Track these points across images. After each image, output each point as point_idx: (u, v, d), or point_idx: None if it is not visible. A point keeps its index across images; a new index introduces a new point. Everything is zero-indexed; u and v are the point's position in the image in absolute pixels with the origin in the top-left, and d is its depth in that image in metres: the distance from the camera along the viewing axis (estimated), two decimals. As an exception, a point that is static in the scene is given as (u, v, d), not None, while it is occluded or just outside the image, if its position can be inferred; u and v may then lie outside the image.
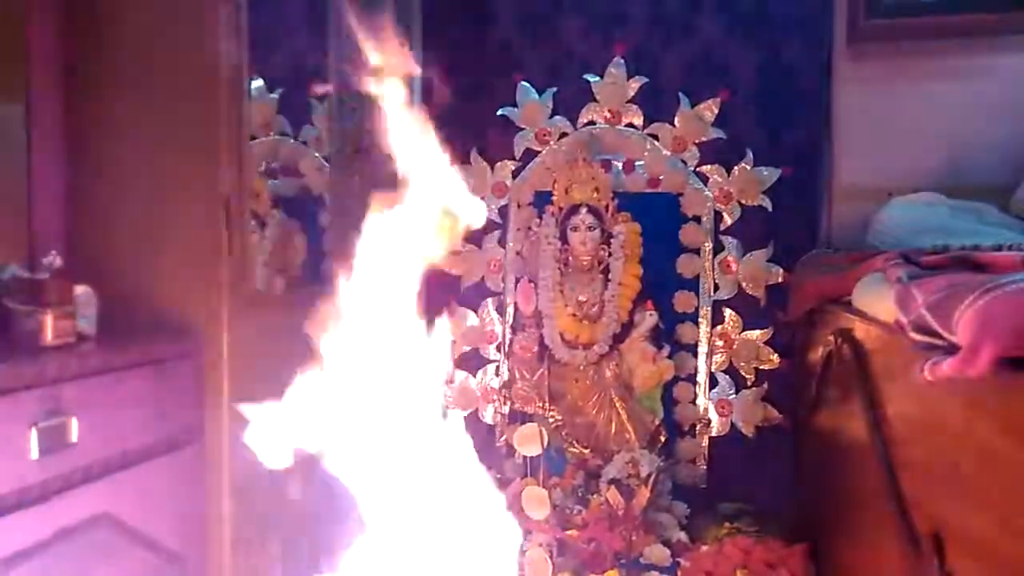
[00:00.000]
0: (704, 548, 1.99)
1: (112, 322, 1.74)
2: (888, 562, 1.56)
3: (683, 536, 2.09)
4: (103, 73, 1.91)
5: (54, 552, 1.39)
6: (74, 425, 1.45)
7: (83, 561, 1.44)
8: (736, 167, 2.48)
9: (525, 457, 2.17)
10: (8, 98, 1.80)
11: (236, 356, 1.87)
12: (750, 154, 2.47)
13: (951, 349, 1.23)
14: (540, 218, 2.52)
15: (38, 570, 1.36)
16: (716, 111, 2.48)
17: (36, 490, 1.38)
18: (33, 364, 1.44)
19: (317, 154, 2.57)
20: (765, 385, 2.43)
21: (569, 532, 2.01)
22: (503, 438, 2.47)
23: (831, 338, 2.01)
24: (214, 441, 1.79)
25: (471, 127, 2.63)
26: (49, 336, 1.57)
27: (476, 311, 2.59)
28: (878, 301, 1.66)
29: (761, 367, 2.44)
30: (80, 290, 1.70)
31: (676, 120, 2.51)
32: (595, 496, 2.13)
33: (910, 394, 1.50)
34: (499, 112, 2.61)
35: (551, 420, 2.34)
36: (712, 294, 2.48)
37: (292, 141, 2.58)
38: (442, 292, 2.43)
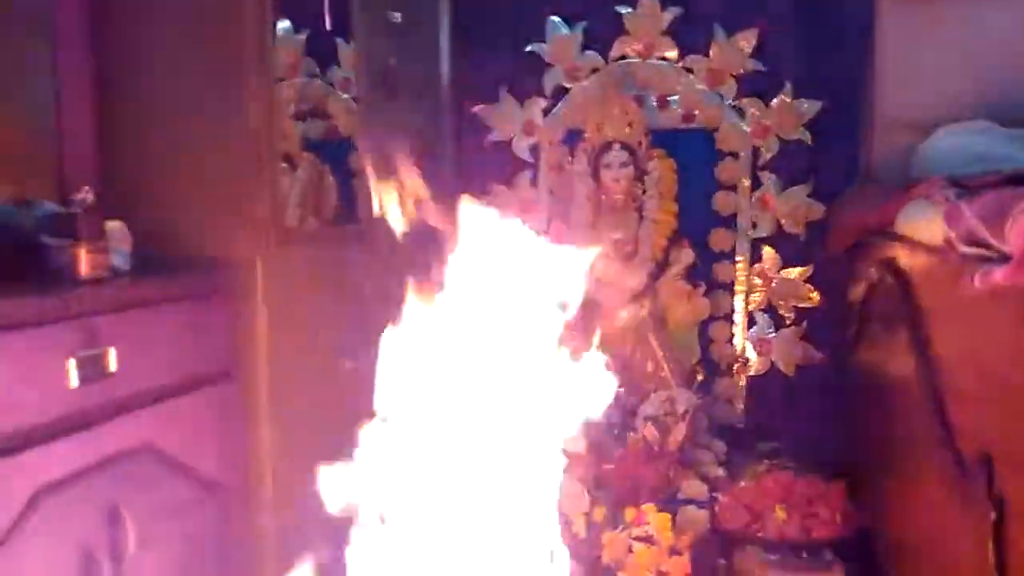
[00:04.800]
0: (742, 483, 1.97)
1: (146, 259, 1.75)
2: (933, 492, 1.54)
3: (721, 472, 2.07)
4: (130, 9, 1.90)
5: (96, 480, 1.40)
6: (112, 356, 1.46)
7: (125, 489, 1.46)
8: (775, 100, 2.41)
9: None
10: (36, 34, 1.78)
11: (271, 291, 1.88)
12: (789, 86, 2.40)
13: (1003, 259, 1.19)
14: (572, 156, 2.47)
15: (81, 497, 1.38)
16: (754, 42, 2.41)
17: (77, 419, 1.39)
18: (69, 297, 1.44)
19: (345, 95, 2.54)
20: (804, 324, 2.38)
21: (607, 466, 2.00)
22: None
23: (873, 271, 1.96)
24: (252, 374, 1.80)
25: (499, 64, 2.57)
26: (84, 270, 1.57)
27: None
28: (924, 225, 1.61)
29: (801, 305, 2.40)
30: (113, 225, 1.69)
31: (712, 52, 2.44)
32: (631, 434, 2.12)
33: (958, 316, 1.46)
34: (528, 48, 2.55)
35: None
36: (750, 232, 2.43)
37: (320, 83, 2.55)
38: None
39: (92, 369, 1.42)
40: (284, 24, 2.46)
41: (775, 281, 2.41)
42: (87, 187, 1.70)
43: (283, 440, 1.82)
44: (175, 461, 1.56)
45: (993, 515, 1.24)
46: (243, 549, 1.75)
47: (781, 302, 2.41)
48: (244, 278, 1.85)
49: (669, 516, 1.88)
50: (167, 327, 1.63)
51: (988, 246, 1.24)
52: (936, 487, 1.50)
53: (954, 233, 1.36)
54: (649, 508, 1.87)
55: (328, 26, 2.34)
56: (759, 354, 2.39)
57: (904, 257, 1.76)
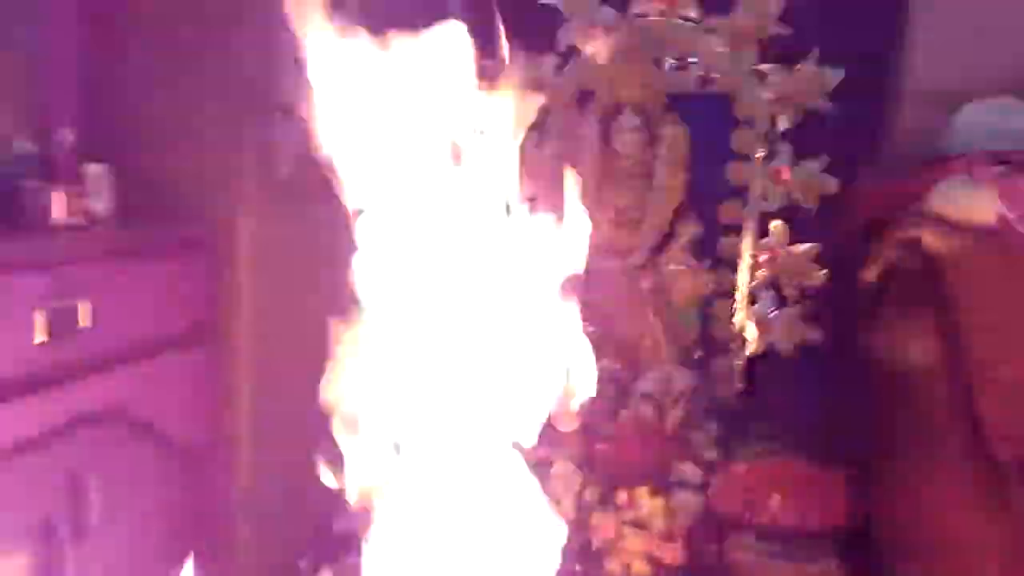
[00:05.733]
0: (738, 467, 1.90)
1: (129, 207, 1.66)
2: (953, 490, 1.47)
3: (716, 455, 2.01)
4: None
5: (59, 444, 1.33)
6: (84, 309, 1.38)
7: (91, 455, 1.39)
8: (797, 67, 2.29)
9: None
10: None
11: (258, 248, 1.79)
12: (815, 52, 2.28)
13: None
14: (582, 118, 2.37)
15: (46, 460, 1.31)
16: (781, 4, 2.28)
17: (42, 376, 1.31)
18: (40, 242, 1.36)
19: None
20: (808, 303, 2.29)
21: (599, 446, 1.94)
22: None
23: (893, 251, 1.87)
24: (232, 335, 1.72)
25: (510, 15, 2.45)
26: (58, 214, 1.49)
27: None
28: (966, 203, 1.52)
29: (806, 284, 2.31)
30: (95, 168, 1.61)
31: (735, 14, 2.31)
32: (624, 411, 2.05)
33: (1002, 307, 1.38)
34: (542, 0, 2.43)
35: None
36: (760, 204, 2.33)
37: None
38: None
39: (62, 323, 1.34)
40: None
41: (781, 257, 2.31)
42: (67, 128, 1.61)
43: (262, 405, 1.75)
44: (147, 425, 1.49)
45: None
46: (216, 515, 1.69)
47: (786, 280, 2.31)
48: (230, 233, 1.76)
49: (662, 499, 1.83)
50: (146, 280, 1.55)
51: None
52: (962, 486, 1.43)
53: (1012, 213, 1.27)
54: (642, 492, 1.81)
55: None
56: (760, 333, 2.31)
57: (933, 238, 1.67)
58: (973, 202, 1.44)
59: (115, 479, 1.41)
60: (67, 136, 1.61)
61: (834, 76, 2.27)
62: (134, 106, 1.79)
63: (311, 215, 2.03)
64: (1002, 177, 1.31)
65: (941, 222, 1.60)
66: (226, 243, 1.74)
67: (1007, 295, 1.32)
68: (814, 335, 2.28)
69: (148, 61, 1.80)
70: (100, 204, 1.61)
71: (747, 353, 2.30)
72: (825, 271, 2.29)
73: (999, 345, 1.38)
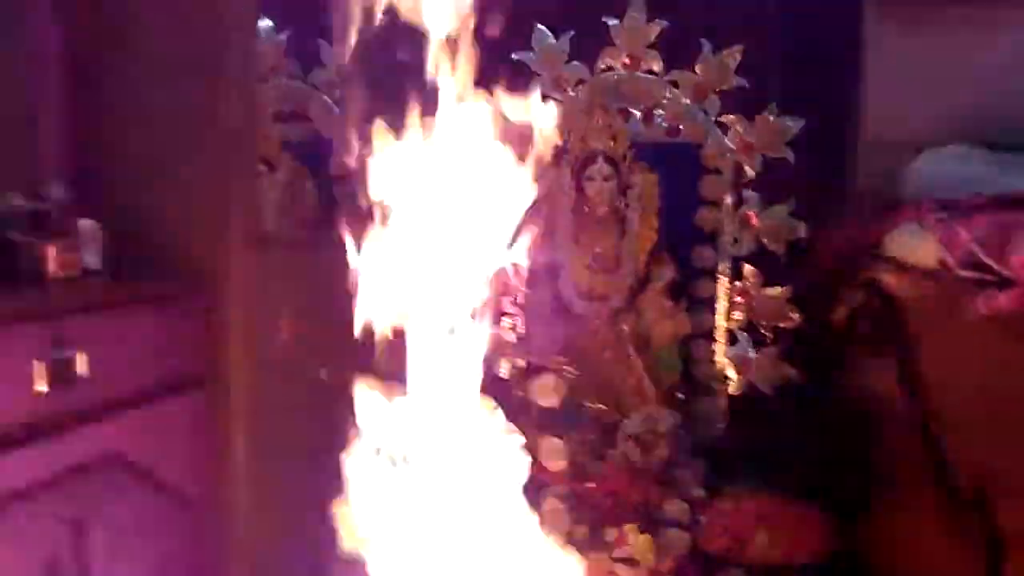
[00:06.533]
0: (724, 505, 1.94)
1: (118, 260, 1.68)
2: (924, 521, 1.52)
3: (702, 493, 2.04)
4: (109, 1, 1.83)
5: (61, 490, 1.33)
6: (82, 359, 1.39)
7: (92, 500, 1.38)
8: (759, 117, 2.40)
9: (541, 410, 2.12)
10: (11, 21, 1.71)
11: (244, 296, 1.82)
12: (773, 104, 2.39)
13: (1004, 284, 1.18)
14: (556, 168, 2.44)
15: (44, 508, 1.30)
16: (740, 58, 2.39)
17: (42, 425, 1.32)
18: (36, 295, 1.37)
19: (327, 97, 2.48)
20: (785, 343, 2.36)
21: (587, 485, 1.96)
22: (519, 392, 2.40)
23: (858, 293, 1.95)
24: (226, 381, 1.73)
25: (485, 72, 2.53)
26: (53, 268, 1.50)
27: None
28: (915, 247, 1.60)
29: (781, 325, 2.38)
30: (85, 223, 1.63)
31: (697, 67, 2.42)
32: (612, 451, 2.08)
33: (951, 341, 1.45)
34: (514, 57, 2.52)
35: (568, 374, 2.29)
36: (732, 249, 2.41)
37: (302, 84, 2.49)
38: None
39: (60, 373, 1.34)
40: (266, 23, 2.41)
41: (756, 299, 2.39)
42: (58, 183, 1.64)
43: (257, 450, 1.75)
44: (144, 471, 1.49)
45: (990, 550, 1.22)
46: (214, 563, 1.67)
47: (762, 321, 2.39)
48: (219, 282, 1.78)
49: (650, 537, 1.85)
50: (139, 330, 1.56)
51: (989, 270, 1.23)
52: (927, 517, 1.49)
53: (951, 257, 1.35)
54: (630, 529, 1.84)
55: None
56: (739, 373, 2.37)
57: (892, 280, 1.75)
58: (919, 247, 1.53)
59: (115, 525, 1.40)
60: (59, 191, 1.63)
61: (794, 126, 2.38)
62: (123, 160, 1.82)
63: (299, 263, 2.07)
64: (941, 223, 1.39)
65: (897, 264, 1.69)
66: (217, 292, 1.76)
67: (953, 333, 1.39)
68: (793, 374, 2.35)
69: (136, 116, 1.83)
70: (92, 257, 1.62)
71: (729, 392, 2.36)
72: (798, 313, 2.37)
73: (950, 380, 1.45)
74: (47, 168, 1.70)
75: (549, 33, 2.50)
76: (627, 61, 2.47)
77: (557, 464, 1.94)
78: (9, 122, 1.68)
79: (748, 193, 2.41)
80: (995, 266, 1.22)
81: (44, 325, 1.34)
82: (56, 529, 1.31)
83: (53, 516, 1.30)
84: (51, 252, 1.51)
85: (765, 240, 2.40)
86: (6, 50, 1.68)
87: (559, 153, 2.42)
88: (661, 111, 2.45)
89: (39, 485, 1.28)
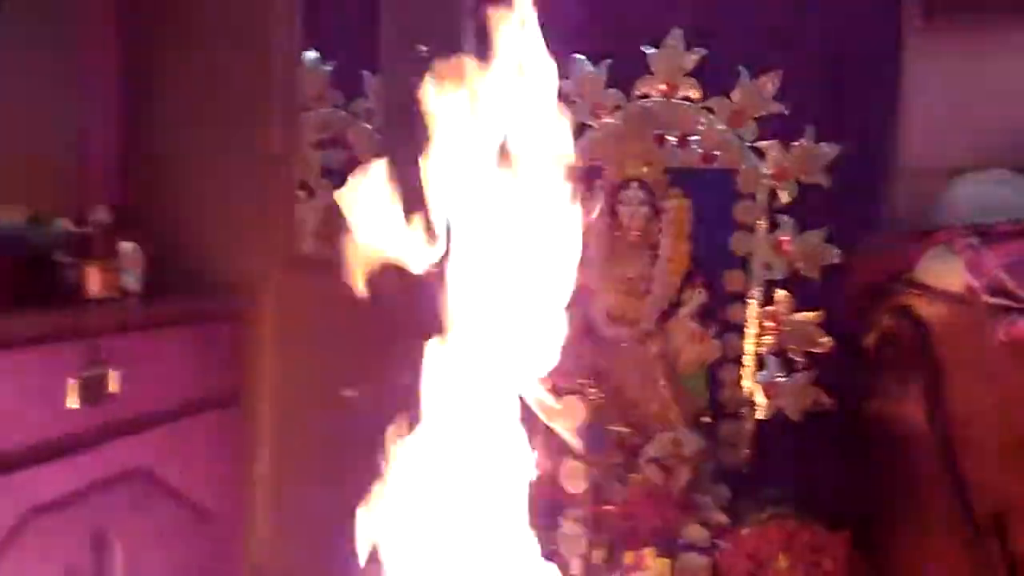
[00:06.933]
0: (745, 531, 1.93)
1: (158, 282, 1.76)
2: (944, 548, 1.50)
3: (723, 518, 2.03)
4: (157, 30, 1.93)
5: (87, 503, 1.41)
6: (114, 377, 1.47)
7: (116, 514, 1.46)
8: (795, 143, 2.39)
9: (564, 431, 2.13)
10: (63, 49, 1.81)
11: (280, 319, 1.88)
12: (810, 130, 2.38)
13: (1027, 311, 1.16)
14: (590, 192, 2.47)
15: (72, 520, 1.38)
16: (777, 85, 2.39)
17: (73, 440, 1.40)
18: (75, 315, 1.46)
19: (367, 125, 2.56)
20: (815, 369, 2.35)
21: (607, 507, 1.98)
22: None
23: (888, 318, 1.93)
24: (255, 402, 1.80)
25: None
26: (93, 289, 1.60)
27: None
28: (945, 272, 1.59)
29: (811, 350, 2.36)
30: (126, 246, 1.72)
31: (734, 94, 2.43)
32: (634, 475, 2.09)
33: (976, 368, 1.43)
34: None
35: (593, 397, 2.30)
36: (764, 273, 2.40)
37: (343, 113, 2.58)
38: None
39: (92, 390, 1.43)
40: (311, 55, 2.51)
41: (787, 324, 2.37)
42: (103, 206, 1.73)
43: (282, 470, 1.82)
44: (169, 487, 1.57)
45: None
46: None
47: (792, 346, 2.37)
48: (254, 304, 1.86)
49: (669, 562, 1.85)
50: (173, 350, 1.64)
51: (1015, 296, 1.22)
52: (947, 543, 1.47)
53: (977, 282, 1.34)
54: (649, 553, 1.84)
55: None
56: (767, 398, 2.35)
57: (922, 305, 1.73)
58: (948, 272, 1.51)
59: (138, 538, 1.48)
60: (103, 214, 1.73)
61: (831, 152, 2.37)
62: (164, 185, 1.92)
63: (334, 286, 2.14)
64: (970, 248, 1.37)
65: (927, 290, 1.67)
66: (250, 314, 1.84)
67: (978, 359, 1.37)
68: (823, 400, 2.33)
69: (180, 142, 1.92)
70: (131, 278, 1.72)
71: (756, 418, 2.35)
72: (829, 338, 2.35)
73: (974, 406, 1.43)
74: (92, 193, 1.80)
75: (588, 61, 2.54)
76: (664, 88, 2.49)
77: (578, 486, 1.96)
78: (58, 148, 1.79)
79: (782, 218, 2.40)
80: (1020, 293, 1.21)
81: (79, 343, 1.43)
82: (79, 540, 1.38)
83: (76, 528, 1.38)
84: (92, 273, 1.61)
85: (799, 265, 2.39)
86: (57, 77, 1.79)
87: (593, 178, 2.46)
88: (697, 137, 2.47)
89: (65, 498, 1.36)
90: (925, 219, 2.12)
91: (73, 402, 1.39)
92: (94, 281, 1.61)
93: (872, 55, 2.41)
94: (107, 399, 1.45)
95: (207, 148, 1.93)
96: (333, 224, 2.42)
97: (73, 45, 1.82)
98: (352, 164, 2.53)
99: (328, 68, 2.58)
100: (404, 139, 2.51)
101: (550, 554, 1.53)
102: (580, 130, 2.54)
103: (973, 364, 1.46)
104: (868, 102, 2.40)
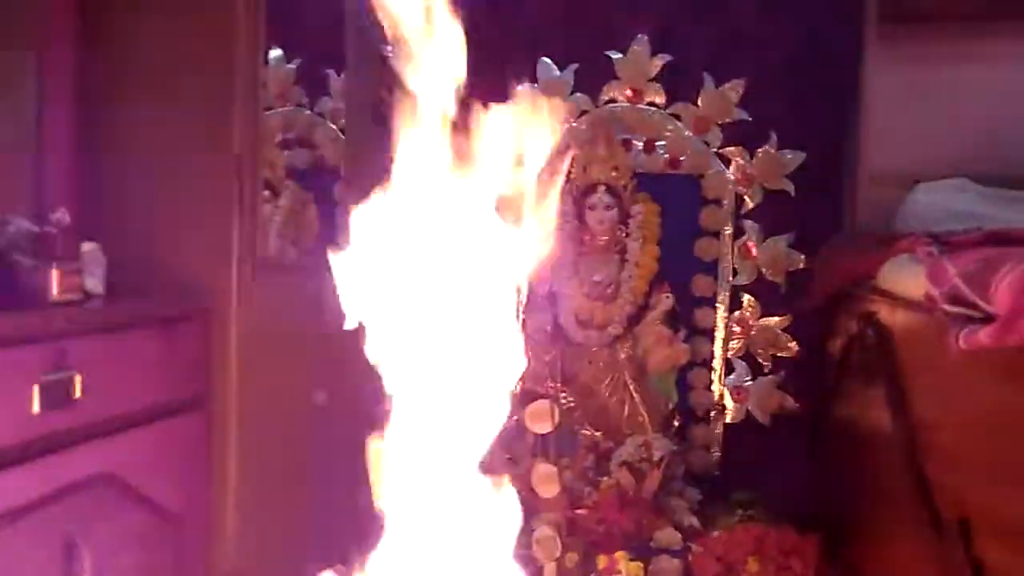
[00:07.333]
0: (716, 534, 1.94)
1: (121, 284, 1.71)
2: (911, 551, 1.52)
3: (695, 521, 2.05)
4: (118, 27, 1.88)
5: (53, 510, 1.35)
6: (78, 381, 1.42)
7: (83, 520, 1.41)
8: (760, 150, 2.43)
9: (536, 436, 2.13)
10: (21, 47, 1.76)
11: (245, 321, 1.84)
12: (774, 137, 2.41)
13: (987, 319, 1.18)
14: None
15: (37, 526, 1.33)
16: (741, 92, 2.43)
17: (38, 445, 1.35)
18: (38, 318, 1.41)
19: (333, 125, 2.53)
20: (782, 373, 2.38)
21: (580, 511, 1.97)
22: (514, 417, 2.42)
23: (853, 323, 1.96)
24: (221, 406, 1.76)
25: (489, 103, 2.57)
26: (55, 291, 1.54)
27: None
28: (906, 280, 1.61)
29: (779, 354, 2.40)
30: (88, 247, 1.67)
31: (699, 100, 2.45)
32: (606, 479, 2.09)
33: (939, 374, 1.45)
34: (519, 88, 2.55)
35: (563, 401, 2.30)
36: (731, 279, 2.43)
37: (308, 112, 2.54)
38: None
39: (56, 394, 1.38)
40: (275, 53, 2.47)
41: (754, 329, 2.41)
42: (63, 207, 1.67)
43: (249, 474, 1.78)
44: (136, 492, 1.52)
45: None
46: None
47: (760, 350, 2.41)
48: (218, 306, 1.82)
49: (641, 565, 1.85)
50: (137, 354, 1.59)
51: (972, 306, 1.24)
52: (913, 547, 1.49)
53: (937, 291, 1.35)
54: (621, 556, 1.84)
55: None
56: (736, 402, 2.38)
57: (885, 311, 1.76)
58: (909, 280, 1.54)
59: (106, 544, 1.43)
60: (63, 215, 1.67)
61: (795, 158, 2.41)
62: (126, 184, 1.86)
63: (300, 287, 2.10)
64: (931, 257, 1.40)
65: (890, 297, 1.70)
66: (216, 316, 1.79)
67: (940, 366, 1.40)
68: (789, 403, 2.36)
69: (141, 142, 1.87)
70: (94, 280, 1.66)
71: (725, 421, 2.37)
72: (796, 342, 2.38)
73: (938, 412, 1.46)
74: (52, 193, 1.74)
75: (554, 66, 2.54)
76: (630, 94, 2.51)
77: (550, 490, 1.95)
78: (16, 148, 1.72)
79: (748, 224, 2.43)
80: (979, 301, 1.23)
81: (42, 347, 1.37)
82: (47, 547, 1.33)
83: (44, 535, 1.33)
84: (54, 275, 1.55)
85: (764, 270, 2.42)
86: (14, 77, 1.74)
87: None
88: (663, 143, 2.49)
89: (31, 505, 1.31)
90: (887, 225, 2.16)
91: (37, 407, 1.33)
92: (55, 283, 1.54)
93: (834, 63, 2.45)
94: (72, 403, 1.40)
95: (170, 147, 1.88)
96: (298, 225, 2.40)
97: (31, 42, 1.76)
98: (318, 164, 2.51)
99: (292, 67, 2.54)
100: (369, 140, 2.50)
101: (524, 558, 1.51)
102: (547, 134, 2.54)
103: (935, 371, 1.49)
104: (830, 109, 2.45)
